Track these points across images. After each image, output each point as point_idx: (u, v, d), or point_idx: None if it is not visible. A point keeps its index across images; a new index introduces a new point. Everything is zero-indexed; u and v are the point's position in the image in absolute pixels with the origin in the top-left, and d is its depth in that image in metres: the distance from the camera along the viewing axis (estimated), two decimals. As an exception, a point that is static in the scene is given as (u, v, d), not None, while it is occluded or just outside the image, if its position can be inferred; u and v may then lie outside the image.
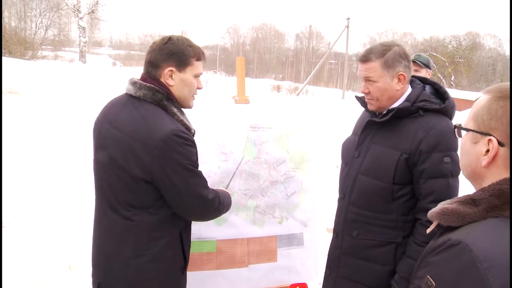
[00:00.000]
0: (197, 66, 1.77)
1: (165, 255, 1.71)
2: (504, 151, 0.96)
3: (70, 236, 3.96)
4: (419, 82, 1.98)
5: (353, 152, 2.01)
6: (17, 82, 13.24)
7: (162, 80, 1.72)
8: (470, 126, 1.03)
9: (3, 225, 4.08)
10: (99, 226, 1.77)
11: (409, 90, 1.92)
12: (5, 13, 32.95)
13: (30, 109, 10.18)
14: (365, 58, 1.89)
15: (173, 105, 1.71)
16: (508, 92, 0.97)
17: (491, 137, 0.97)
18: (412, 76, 1.99)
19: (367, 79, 1.89)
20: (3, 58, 16.99)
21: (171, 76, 1.71)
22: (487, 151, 0.98)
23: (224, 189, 2.00)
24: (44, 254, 3.65)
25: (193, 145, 1.67)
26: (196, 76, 1.78)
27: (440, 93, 1.96)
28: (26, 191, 5.01)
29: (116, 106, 1.73)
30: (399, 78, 1.86)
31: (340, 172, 2.12)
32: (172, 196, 1.66)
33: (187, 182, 1.64)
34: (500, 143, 0.96)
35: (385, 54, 1.84)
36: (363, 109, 2.09)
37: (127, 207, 1.65)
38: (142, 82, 1.70)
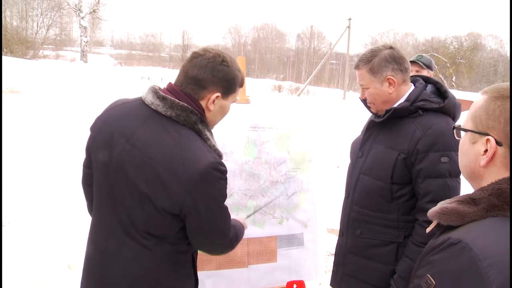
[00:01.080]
0: (237, 93, 1.61)
1: (180, 281, 1.63)
2: (502, 151, 0.97)
3: (70, 236, 3.96)
4: (422, 82, 1.99)
5: (357, 152, 2.02)
6: (19, 82, 13.29)
7: (202, 102, 1.52)
8: (468, 127, 1.04)
9: (3, 224, 4.09)
10: (103, 247, 1.55)
11: (411, 89, 1.93)
12: (6, 13, 33.06)
13: (31, 109, 10.19)
14: (356, 66, 1.93)
15: (206, 128, 1.52)
16: (505, 92, 0.98)
17: (489, 137, 0.98)
18: (416, 76, 2.01)
19: (361, 86, 1.93)
20: (5, 58, 17.03)
21: (214, 101, 1.52)
22: (486, 151, 0.99)
23: (240, 220, 1.86)
24: (44, 254, 3.66)
25: (226, 176, 1.51)
26: (233, 102, 1.63)
27: (441, 92, 1.96)
28: (27, 191, 5.02)
29: (137, 119, 1.48)
30: (389, 82, 1.86)
31: (347, 172, 2.14)
32: (194, 229, 1.51)
33: (214, 218, 1.51)
34: (498, 143, 0.97)
35: (371, 61, 1.86)
36: (364, 109, 2.10)
37: (146, 236, 1.48)
38: (174, 99, 1.46)
